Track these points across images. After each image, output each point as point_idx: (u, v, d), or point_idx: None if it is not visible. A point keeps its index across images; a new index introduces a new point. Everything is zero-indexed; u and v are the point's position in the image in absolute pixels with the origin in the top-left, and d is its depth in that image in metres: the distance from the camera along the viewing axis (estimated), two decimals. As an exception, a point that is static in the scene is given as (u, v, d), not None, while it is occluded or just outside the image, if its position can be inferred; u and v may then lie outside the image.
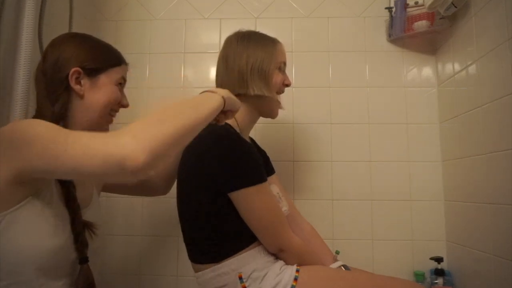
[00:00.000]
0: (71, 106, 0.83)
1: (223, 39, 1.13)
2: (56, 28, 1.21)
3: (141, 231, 1.50)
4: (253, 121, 1.11)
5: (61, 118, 0.81)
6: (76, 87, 0.82)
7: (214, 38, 1.60)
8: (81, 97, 0.84)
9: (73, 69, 0.82)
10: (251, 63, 1.03)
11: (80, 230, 0.77)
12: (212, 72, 1.55)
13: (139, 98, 1.55)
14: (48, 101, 0.82)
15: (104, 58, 0.88)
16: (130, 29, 1.61)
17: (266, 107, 1.09)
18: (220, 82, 1.07)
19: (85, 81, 0.84)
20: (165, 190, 1.23)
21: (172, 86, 1.57)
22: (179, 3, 1.62)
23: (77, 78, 0.83)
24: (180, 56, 1.59)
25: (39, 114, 0.82)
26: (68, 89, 0.82)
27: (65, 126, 0.80)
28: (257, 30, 1.13)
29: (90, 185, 0.94)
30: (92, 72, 0.85)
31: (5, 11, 0.94)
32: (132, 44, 1.59)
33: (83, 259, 0.77)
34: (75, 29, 1.27)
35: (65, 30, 1.24)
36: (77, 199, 0.79)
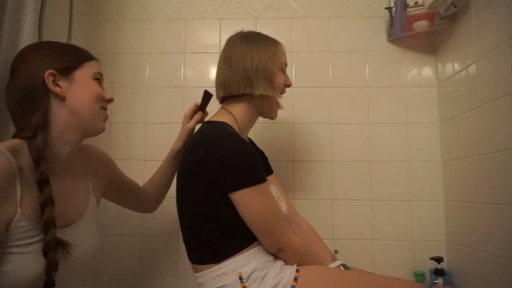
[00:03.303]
0: (52, 114, 0.80)
1: (223, 39, 1.13)
2: (56, 28, 1.21)
3: (141, 231, 1.50)
4: (252, 121, 1.11)
5: (42, 128, 0.77)
6: (56, 89, 0.80)
7: (214, 38, 1.60)
8: (63, 99, 0.81)
9: (47, 72, 0.79)
10: (256, 64, 1.03)
11: (47, 250, 0.71)
12: (212, 72, 1.56)
13: (139, 98, 1.55)
14: (26, 114, 0.78)
15: (74, 55, 0.86)
16: (130, 29, 1.60)
17: (267, 107, 1.10)
18: (223, 82, 1.07)
19: (62, 82, 0.81)
20: (154, 208, 1.23)
21: (172, 86, 1.57)
22: (179, 3, 1.62)
23: (53, 81, 0.80)
24: (180, 56, 1.59)
25: (19, 130, 0.80)
26: (47, 94, 0.79)
27: (47, 136, 0.77)
28: (257, 30, 1.13)
29: (84, 200, 0.90)
30: (66, 70, 0.82)
31: (6, 12, 0.94)
32: (132, 44, 1.58)
33: (47, 283, 0.71)
34: (75, 29, 1.28)
35: (65, 30, 1.25)
36: (54, 220, 0.73)
